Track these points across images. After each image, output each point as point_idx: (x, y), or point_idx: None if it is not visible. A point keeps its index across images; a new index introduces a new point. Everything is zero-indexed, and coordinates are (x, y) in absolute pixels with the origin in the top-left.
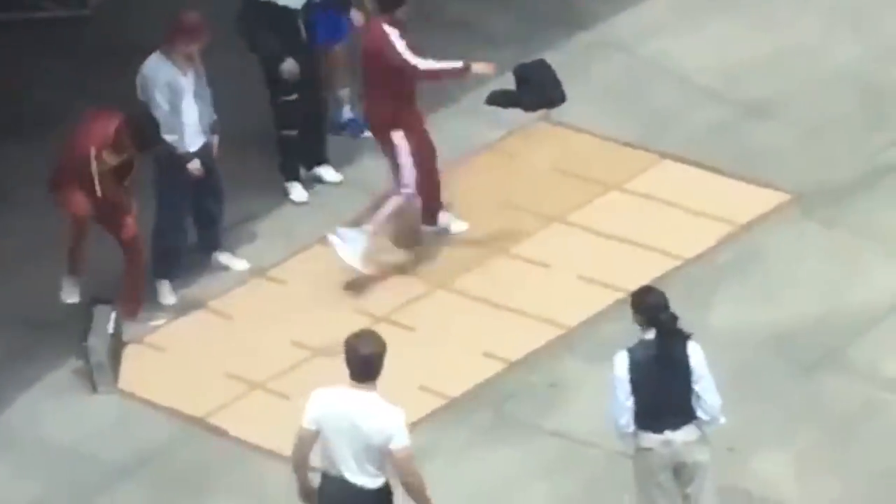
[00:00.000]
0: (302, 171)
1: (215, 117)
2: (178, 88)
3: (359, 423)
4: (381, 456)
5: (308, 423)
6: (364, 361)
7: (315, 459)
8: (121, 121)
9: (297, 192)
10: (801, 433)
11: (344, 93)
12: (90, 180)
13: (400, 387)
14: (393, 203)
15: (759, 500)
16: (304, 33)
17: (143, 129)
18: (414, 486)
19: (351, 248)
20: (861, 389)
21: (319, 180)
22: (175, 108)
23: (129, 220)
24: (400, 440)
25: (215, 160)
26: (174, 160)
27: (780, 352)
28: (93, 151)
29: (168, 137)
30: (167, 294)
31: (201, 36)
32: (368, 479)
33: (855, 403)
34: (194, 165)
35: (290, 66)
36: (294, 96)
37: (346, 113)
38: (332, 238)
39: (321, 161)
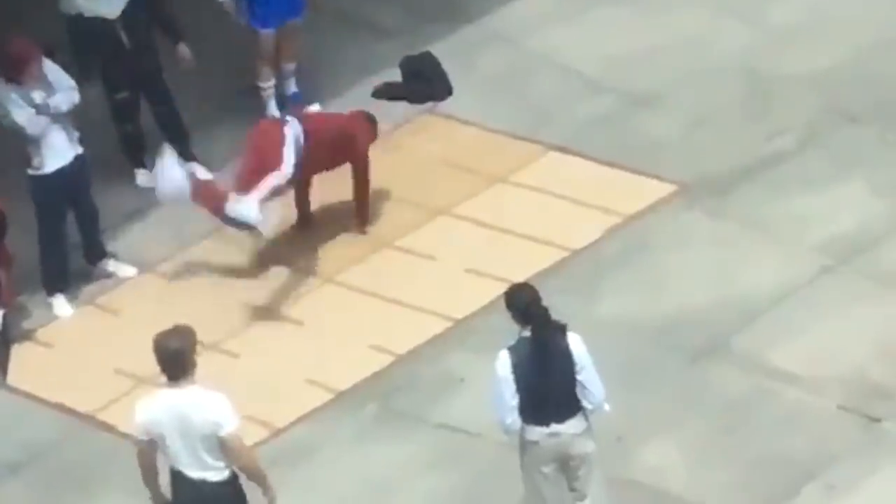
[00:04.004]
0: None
1: (77, 133)
2: (34, 110)
3: (188, 419)
4: (218, 446)
5: (140, 433)
6: (177, 355)
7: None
8: None
9: (141, 176)
10: (688, 422)
11: (291, 67)
12: None
13: (287, 380)
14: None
15: (648, 490)
16: (124, 39)
17: None
18: (249, 468)
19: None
20: (747, 378)
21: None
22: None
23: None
24: (228, 425)
25: (87, 176)
26: (36, 183)
27: (666, 342)
28: None
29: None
30: (63, 306)
31: (32, 57)
32: (212, 473)
33: (741, 392)
34: None
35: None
36: (125, 94)
37: (291, 87)
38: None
39: (187, 159)
